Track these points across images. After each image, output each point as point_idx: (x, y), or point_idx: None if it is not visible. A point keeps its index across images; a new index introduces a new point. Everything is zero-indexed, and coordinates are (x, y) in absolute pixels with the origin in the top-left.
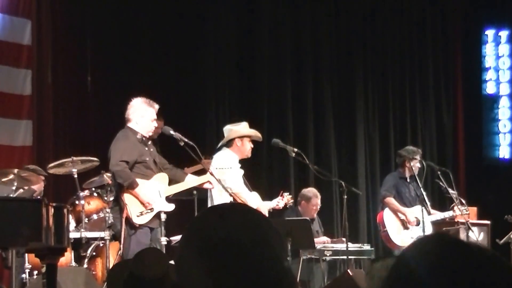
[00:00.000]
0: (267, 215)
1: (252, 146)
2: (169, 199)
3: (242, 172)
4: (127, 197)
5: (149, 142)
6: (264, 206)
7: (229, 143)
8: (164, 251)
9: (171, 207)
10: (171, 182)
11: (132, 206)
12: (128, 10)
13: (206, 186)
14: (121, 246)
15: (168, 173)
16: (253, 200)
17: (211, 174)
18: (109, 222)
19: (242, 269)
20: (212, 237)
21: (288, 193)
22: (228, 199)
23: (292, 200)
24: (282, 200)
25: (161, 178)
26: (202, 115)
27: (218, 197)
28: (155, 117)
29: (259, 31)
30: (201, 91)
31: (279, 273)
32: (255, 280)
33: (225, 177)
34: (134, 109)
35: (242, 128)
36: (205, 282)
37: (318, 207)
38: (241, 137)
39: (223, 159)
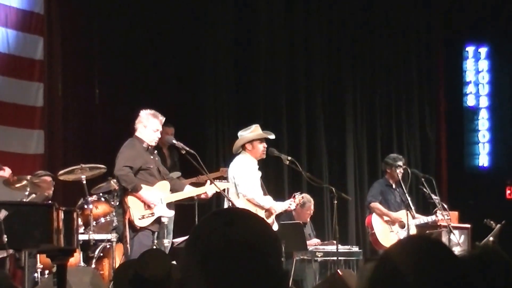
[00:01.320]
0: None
1: (265, 146)
2: (170, 205)
3: (259, 174)
4: (130, 200)
5: (155, 151)
6: (276, 207)
7: (243, 148)
8: (167, 252)
9: (171, 213)
10: (171, 191)
11: (134, 209)
12: (133, 28)
13: (203, 196)
14: (124, 247)
15: (169, 182)
16: (267, 202)
17: (214, 184)
18: (114, 224)
19: (244, 273)
20: (216, 243)
21: (299, 192)
22: (240, 203)
23: (303, 199)
24: (294, 202)
25: (163, 186)
26: (203, 127)
27: (235, 200)
28: (159, 128)
29: (256, 48)
30: (202, 105)
31: (277, 276)
32: (256, 284)
33: (238, 182)
34: (140, 119)
35: (249, 133)
36: (208, 285)
37: (312, 212)
38: (250, 141)
39: (238, 164)
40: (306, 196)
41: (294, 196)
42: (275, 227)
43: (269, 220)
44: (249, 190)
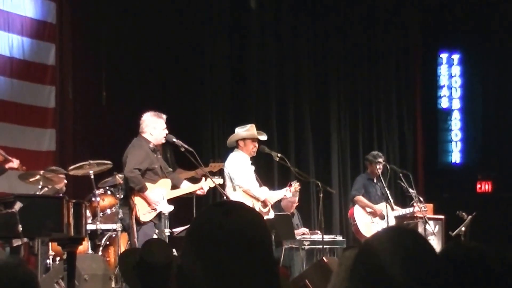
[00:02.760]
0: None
1: (256, 145)
2: (169, 200)
3: (252, 168)
4: (136, 199)
5: (158, 150)
6: (271, 198)
7: (236, 144)
8: (167, 241)
9: (170, 208)
10: (172, 187)
11: (140, 206)
12: (138, 37)
13: (198, 192)
14: (130, 238)
15: (168, 177)
16: (262, 193)
17: (210, 179)
18: (119, 216)
19: (238, 260)
20: (214, 232)
21: (296, 181)
22: (238, 195)
23: (299, 187)
24: (290, 191)
25: (165, 183)
26: (200, 128)
27: (231, 194)
28: (165, 125)
29: (249, 59)
30: (200, 106)
31: (268, 262)
32: (249, 270)
33: (233, 176)
34: (147, 122)
35: (244, 131)
36: (208, 271)
37: (295, 204)
38: (243, 139)
39: (232, 161)
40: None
41: (290, 184)
42: (272, 214)
43: (265, 209)
44: (244, 181)
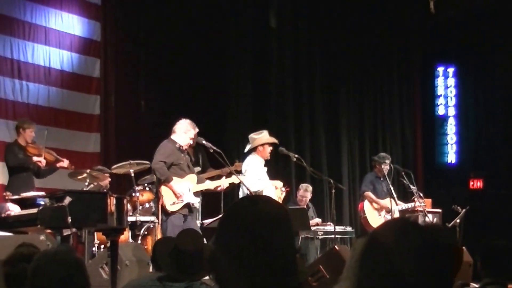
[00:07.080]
0: None
1: (272, 148)
2: (197, 193)
3: (265, 169)
4: (163, 189)
5: (185, 151)
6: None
7: (254, 149)
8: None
9: (196, 200)
10: (197, 182)
11: (166, 197)
12: (171, 52)
13: (219, 189)
14: (160, 227)
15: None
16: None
17: (236, 175)
18: (153, 210)
19: (265, 244)
20: (244, 219)
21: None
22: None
23: (288, 189)
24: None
25: (191, 178)
26: (227, 132)
27: (245, 190)
28: (193, 136)
29: (270, 72)
30: (226, 113)
31: (289, 249)
32: (275, 254)
33: (244, 173)
34: (180, 126)
35: (262, 136)
36: (237, 254)
37: (306, 198)
38: (262, 144)
39: (248, 162)
40: (303, 186)
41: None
42: None
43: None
44: (248, 176)
